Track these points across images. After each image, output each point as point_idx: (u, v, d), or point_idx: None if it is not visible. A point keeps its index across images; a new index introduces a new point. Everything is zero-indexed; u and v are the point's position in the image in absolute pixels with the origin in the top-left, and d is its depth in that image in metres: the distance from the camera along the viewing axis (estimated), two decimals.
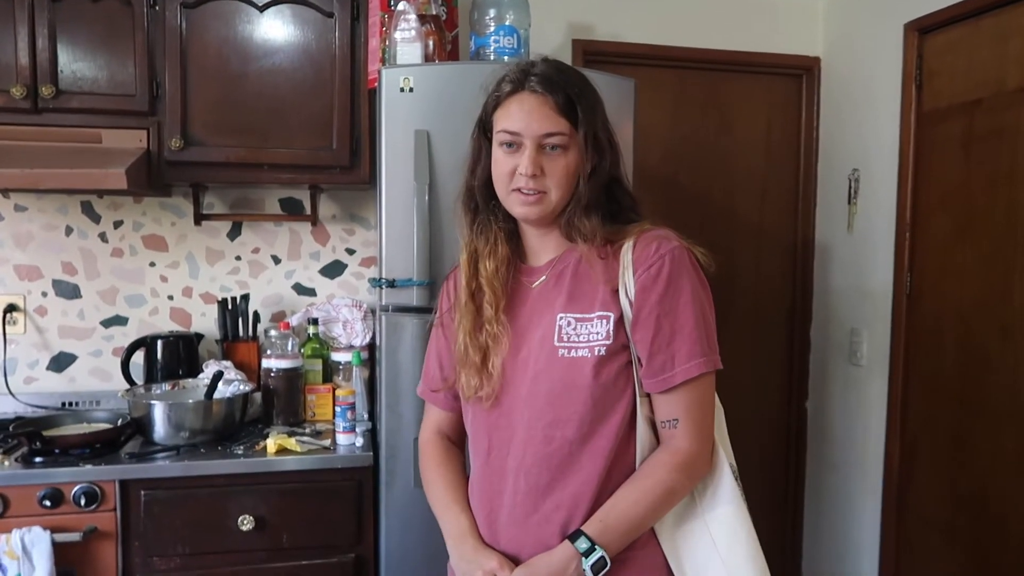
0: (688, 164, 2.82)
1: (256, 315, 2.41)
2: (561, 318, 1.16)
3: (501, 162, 1.17)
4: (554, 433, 1.15)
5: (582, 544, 1.11)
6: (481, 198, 1.23)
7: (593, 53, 2.62)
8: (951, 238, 2.24)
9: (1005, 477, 2.07)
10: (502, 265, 1.22)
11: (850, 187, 2.67)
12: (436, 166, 1.86)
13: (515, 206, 1.17)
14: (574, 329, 1.16)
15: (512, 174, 1.15)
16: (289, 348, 2.23)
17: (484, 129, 1.21)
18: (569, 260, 1.20)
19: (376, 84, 1.95)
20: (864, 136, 2.61)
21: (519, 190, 1.15)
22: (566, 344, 1.15)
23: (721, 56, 2.76)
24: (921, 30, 2.31)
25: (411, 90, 1.86)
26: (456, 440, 1.37)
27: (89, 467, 1.84)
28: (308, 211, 2.48)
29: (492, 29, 2.06)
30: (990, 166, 2.11)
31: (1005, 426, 2.07)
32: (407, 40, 1.97)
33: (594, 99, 1.18)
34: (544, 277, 1.22)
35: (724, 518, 1.17)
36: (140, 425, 2.01)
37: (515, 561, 1.17)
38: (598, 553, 1.10)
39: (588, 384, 1.13)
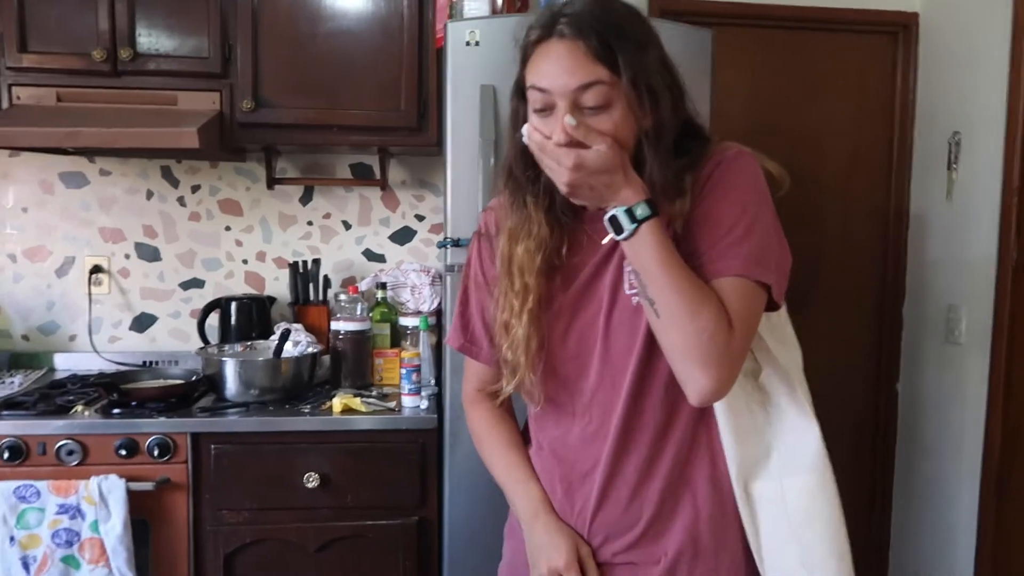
0: (770, 129, 2.67)
1: (327, 280, 2.43)
2: (627, 263, 1.05)
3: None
4: (643, 387, 1.06)
5: (638, 208, 0.96)
6: (518, 168, 1.08)
7: (671, 12, 2.50)
8: None
9: None
10: (538, 250, 1.07)
11: (950, 152, 2.48)
12: (502, 122, 1.81)
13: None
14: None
15: None
16: (358, 312, 2.23)
17: (520, 89, 1.04)
18: None
19: (443, 41, 1.91)
20: (967, 96, 2.41)
21: None
22: (635, 291, 1.05)
23: (809, 13, 2.60)
24: None
25: (477, 43, 1.81)
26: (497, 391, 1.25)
27: (163, 419, 1.88)
28: (378, 176, 2.47)
29: None
30: None
31: None
32: None
33: (642, 36, 0.99)
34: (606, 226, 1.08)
35: (804, 488, 1.06)
36: (212, 382, 2.05)
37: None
38: (639, 218, 0.96)
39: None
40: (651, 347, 1.03)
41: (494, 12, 1.96)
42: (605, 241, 1.02)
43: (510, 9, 2.02)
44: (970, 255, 2.40)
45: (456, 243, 1.87)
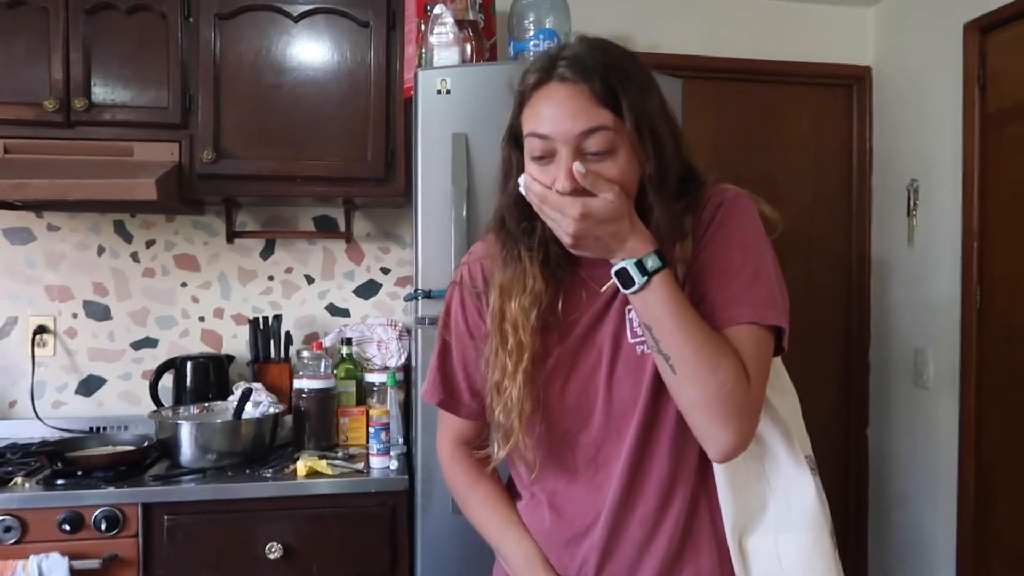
0: (731, 178, 2.68)
1: (288, 336, 2.33)
2: (629, 310, 1.01)
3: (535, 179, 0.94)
4: (648, 438, 1.00)
5: (648, 260, 0.91)
6: (512, 220, 1.02)
7: None
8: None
9: None
10: (533, 305, 1.01)
11: (909, 198, 2.53)
12: (474, 171, 1.78)
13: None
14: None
15: None
16: (322, 369, 2.14)
17: (514, 136, 1.00)
18: None
19: (412, 91, 1.88)
20: (922, 144, 2.47)
21: None
22: (640, 339, 1.00)
23: (766, 67, 2.66)
24: (983, 29, 2.19)
25: (448, 92, 1.78)
26: (478, 446, 1.18)
27: (111, 490, 1.75)
28: (343, 228, 2.41)
29: (532, 33, 1.99)
30: None
31: None
32: (444, 44, 1.91)
33: (643, 80, 0.95)
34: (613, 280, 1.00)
35: (800, 547, 1.01)
36: (166, 447, 1.93)
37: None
38: (650, 270, 0.91)
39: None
40: (657, 395, 0.98)
41: (464, 61, 1.94)
42: (604, 289, 0.97)
43: (479, 58, 2.01)
44: (934, 299, 2.42)
45: (427, 294, 1.80)
